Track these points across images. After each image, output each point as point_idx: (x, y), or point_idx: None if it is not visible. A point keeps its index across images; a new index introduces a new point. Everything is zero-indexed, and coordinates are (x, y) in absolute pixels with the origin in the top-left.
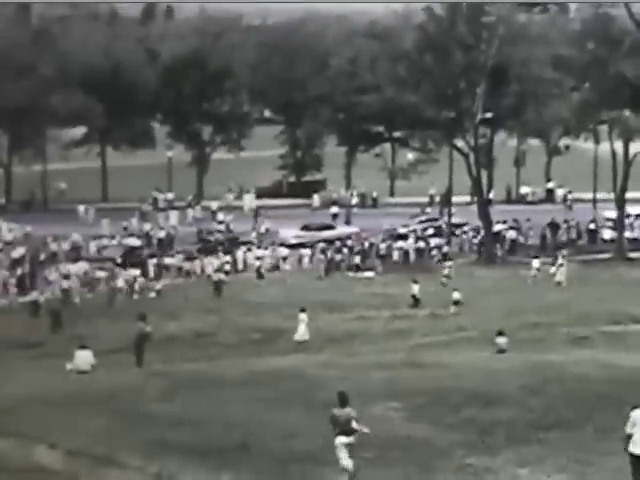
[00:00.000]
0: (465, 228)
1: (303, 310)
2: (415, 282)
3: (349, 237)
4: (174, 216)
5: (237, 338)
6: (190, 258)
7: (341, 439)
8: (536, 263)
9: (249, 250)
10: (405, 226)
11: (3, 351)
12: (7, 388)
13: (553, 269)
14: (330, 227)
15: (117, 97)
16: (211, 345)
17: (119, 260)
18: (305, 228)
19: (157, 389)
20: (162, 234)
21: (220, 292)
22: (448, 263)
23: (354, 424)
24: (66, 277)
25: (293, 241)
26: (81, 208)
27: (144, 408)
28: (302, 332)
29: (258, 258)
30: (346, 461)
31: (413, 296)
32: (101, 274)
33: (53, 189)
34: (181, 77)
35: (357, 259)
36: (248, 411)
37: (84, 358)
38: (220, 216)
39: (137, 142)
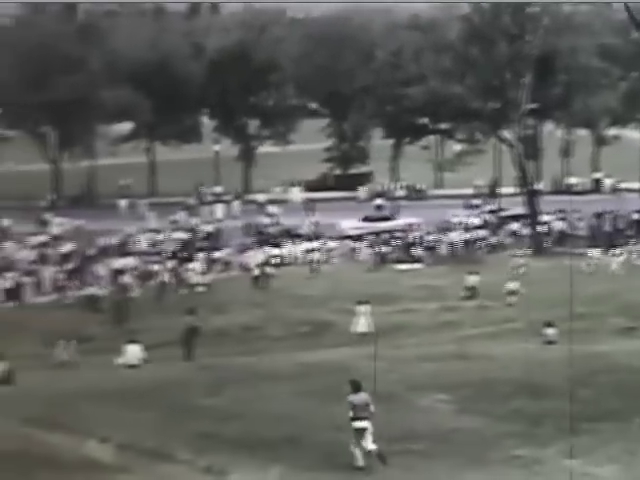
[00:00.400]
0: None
1: (364, 302)
2: (472, 273)
3: (409, 228)
4: (220, 210)
5: (285, 331)
6: (244, 250)
7: (357, 424)
8: (594, 252)
9: (299, 243)
10: (469, 216)
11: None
12: (60, 383)
13: (609, 258)
14: (389, 218)
15: (164, 92)
16: (259, 339)
17: (173, 254)
18: (365, 219)
19: (206, 383)
20: (210, 228)
21: (268, 285)
22: (519, 255)
23: (372, 408)
24: (123, 272)
25: (352, 232)
26: (122, 203)
27: (193, 402)
28: (362, 324)
29: (312, 251)
30: (363, 445)
31: (469, 287)
32: (156, 268)
33: (118, 184)
34: (227, 71)
35: (405, 251)
36: (296, 404)
37: (133, 352)
38: (272, 209)
39: (184, 137)
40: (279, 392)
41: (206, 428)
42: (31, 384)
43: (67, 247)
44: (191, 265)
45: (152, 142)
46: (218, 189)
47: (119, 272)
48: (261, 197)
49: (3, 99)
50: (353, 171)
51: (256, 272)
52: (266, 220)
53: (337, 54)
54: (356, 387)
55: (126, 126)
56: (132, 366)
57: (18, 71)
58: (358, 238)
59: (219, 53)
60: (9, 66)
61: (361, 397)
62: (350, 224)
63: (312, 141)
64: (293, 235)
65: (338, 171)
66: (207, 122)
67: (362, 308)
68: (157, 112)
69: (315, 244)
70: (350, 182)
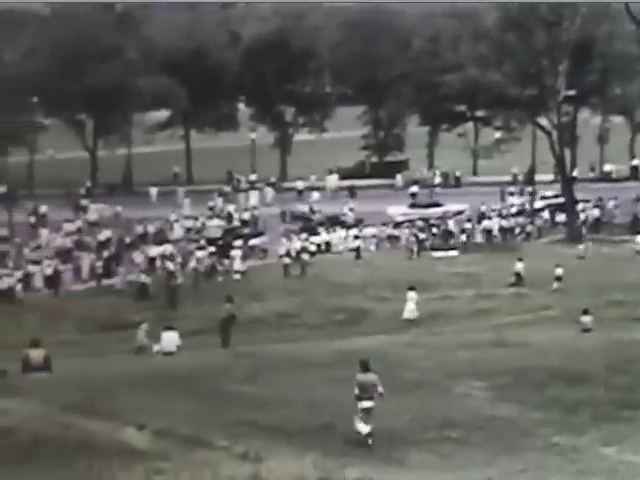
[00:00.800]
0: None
1: (412, 288)
2: (520, 260)
3: (459, 213)
4: (254, 197)
5: (321, 319)
6: (281, 238)
7: (363, 404)
8: (637, 239)
9: (334, 231)
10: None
11: (92, 333)
12: (97, 369)
13: None
14: (437, 205)
15: (200, 80)
16: (295, 326)
17: (211, 241)
18: (413, 205)
19: (242, 370)
20: (246, 215)
21: (305, 273)
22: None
23: (379, 388)
24: (165, 258)
25: (400, 219)
26: (153, 191)
27: (230, 389)
28: (410, 310)
29: (351, 238)
30: (363, 425)
31: (516, 274)
32: (194, 255)
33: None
34: (263, 59)
35: (442, 238)
36: (333, 391)
37: (170, 339)
38: (314, 195)
39: (221, 124)
40: (315, 379)
41: (242, 415)
42: (68, 371)
43: (105, 234)
44: (232, 252)
45: (188, 130)
46: (252, 176)
47: (163, 258)
48: (300, 184)
49: (41, 88)
50: (389, 159)
51: (287, 260)
52: (303, 207)
53: (374, 41)
54: (365, 367)
55: (162, 114)
56: (169, 353)
57: (56, 60)
58: (396, 226)
59: (256, 41)
60: (47, 55)
61: (369, 377)
62: (398, 210)
63: (348, 129)
64: (331, 222)
65: (374, 159)
66: (243, 110)
67: (411, 294)
68: (193, 100)
69: (354, 231)
70: (386, 170)
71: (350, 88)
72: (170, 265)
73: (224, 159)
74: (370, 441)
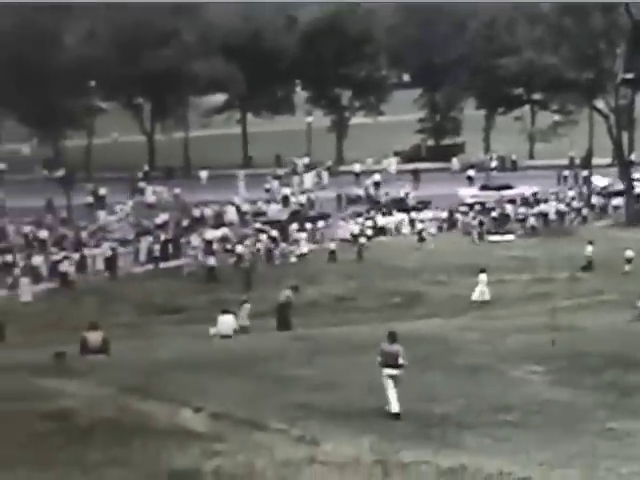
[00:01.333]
0: None
1: (483, 271)
2: (590, 243)
3: (528, 196)
4: (308, 180)
5: (377, 302)
6: (339, 221)
7: (387, 370)
8: None
9: (389, 214)
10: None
11: (150, 316)
12: (154, 352)
13: None
14: (508, 187)
15: (257, 63)
16: (352, 309)
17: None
18: (484, 188)
19: (299, 353)
20: (303, 198)
21: (361, 256)
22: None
23: (400, 360)
24: (240, 242)
25: (470, 200)
26: (203, 174)
27: (286, 372)
28: (480, 292)
29: (421, 221)
30: (391, 391)
31: (587, 257)
32: (263, 238)
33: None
34: (320, 42)
35: (498, 222)
36: None
37: (227, 323)
38: (376, 177)
39: (277, 108)
40: (371, 362)
41: (299, 398)
42: (126, 353)
43: (162, 217)
44: (297, 235)
45: (245, 114)
46: (306, 160)
47: (222, 241)
48: (357, 167)
49: (99, 72)
50: (446, 142)
51: (332, 246)
52: (359, 191)
53: (430, 25)
54: (392, 338)
55: (219, 98)
56: (225, 336)
57: (114, 44)
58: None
59: (312, 24)
60: (105, 39)
61: (393, 348)
62: (469, 192)
63: (405, 112)
64: (397, 205)
65: (430, 142)
66: (300, 93)
67: (482, 276)
68: (250, 83)
69: (414, 215)
70: (442, 153)
71: (406, 71)
72: (239, 248)
73: (280, 143)
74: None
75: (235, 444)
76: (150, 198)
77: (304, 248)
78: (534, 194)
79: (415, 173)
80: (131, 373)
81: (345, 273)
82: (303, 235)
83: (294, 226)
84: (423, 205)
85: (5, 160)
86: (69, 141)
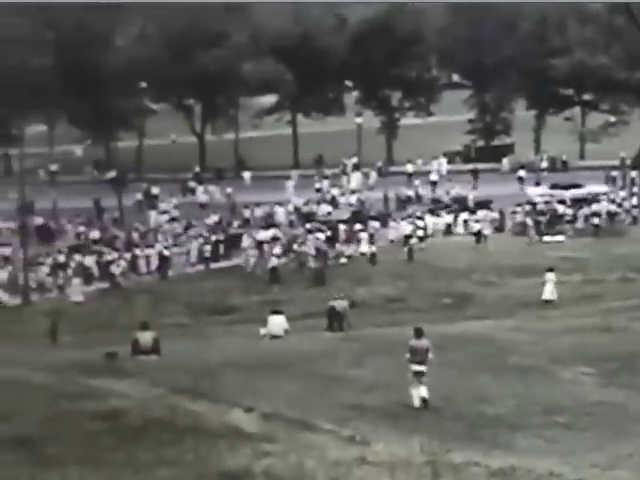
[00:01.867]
0: None
1: (550, 270)
2: None
3: (604, 195)
4: (355, 180)
5: (427, 303)
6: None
7: (415, 367)
8: None
9: (438, 215)
10: None
11: (201, 317)
12: (205, 352)
13: None
14: (578, 186)
15: (307, 64)
16: (401, 310)
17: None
18: (554, 187)
19: (349, 353)
20: (353, 199)
21: (411, 257)
22: None
23: (430, 355)
24: (302, 243)
25: (539, 199)
26: (247, 175)
27: (337, 372)
28: (550, 291)
29: (476, 221)
30: (416, 388)
31: None
32: (320, 236)
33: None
34: (370, 43)
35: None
36: (439, 375)
37: (277, 323)
38: (434, 176)
39: (327, 109)
40: None
41: (349, 398)
42: (177, 353)
43: (213, 218)
44: (360, 235)
45: (295, 114)
46: (354, 160)
47: (302, 244)
48: (410, 167)
49: (150, 73)
50: (496, 142)
51: (373, 249)
52: (410, 192)
53: (480, 25)
54: (419, 333)
55: (269, 99)
56: (276, 337)
57: (165, 45)
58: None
59: (362, 25)
60: (156, 41)
61: (422, 343)
62: (538, 191)
63: (454, 113)
64: (460, 205)
65: (480, 142)
66: (350, 94)
67: (550, 275)
68: (300, 84)
69: (467, 215)
70: (492, 154)
71: (457, 72)
72: (304, 248)
73: (330, 144)
74: (426, 406)
75: (285, 444)
76: (202, 197)
77: (364, 248)
78: (600, 194)
79: (474, 173)
80: (182, 373)
81: (395, 274)
82: (364, 235)
83: (357, 226)
84: (484, 205)
85: (58, 161)
86: (121, 142)
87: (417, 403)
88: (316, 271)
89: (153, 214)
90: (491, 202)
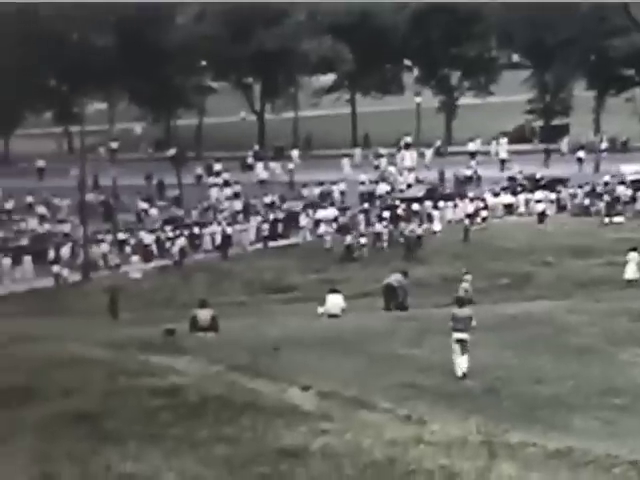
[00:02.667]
0: None
1: (634, 249)
2: None
3: None
4: (409, 159)
5: (485, 283)
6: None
7: (457, 335)
8: None
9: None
10: None
11: (259, 295)
12: (262, 330)
13: None
14: None
15: (366, 43)
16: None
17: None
18: None
19: (407, 333)
20: (411, 178)
21: (467, 237)
22: None
23: (473, 322)
24: (382, 219)
25: (634, 177)
26: (294, 153)
27: (394, 351)
28: (632, 271)
29: (538, 201)
30: (460, 356)
31: None
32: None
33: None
34: (430, 22)
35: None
36: (496, 356)
37: (335, 302)
38: (503, 154)
39: (386, 88)
40: (479, 343)
41: (406, 378)
42: (235, 331)
43: (271, 197)
44: (434, 213)
45: (354, 93)
46: (408, 139)
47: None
48: (472, 146)
49: (210, 51)
50: (553, 123)
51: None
52: (466, 171)
53: (540, 4)
54: (461, 302)
55: (329, 77)
56: (333, 315)
57: (225, 23)
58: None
59: (422, 3)
60: (216, 20)
61: (464, 312)
62: (633, 168)
63: (512, 93)
64: (532, 184)
65: (539, 123)
66: (409, 73)
67: (633, 255)
68: (359, 63)
69: (545, 194)
70: (546, 134)
71: (516, 52)
72: (378, 227)
73: (389, 123)
74: (465, 375)
75: (342, 423)
76: (262, 175)
77: (437, 226)
78: None
79: (547, 152)
80: (240, 351)
81: (453, 253)
82: (436, 213)
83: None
84: (561, 183)
85: (118, 139)
86: (180, 120)
87: (460, 372)
88: (407, 245)
89: (214, 191)
90: (567, 180)
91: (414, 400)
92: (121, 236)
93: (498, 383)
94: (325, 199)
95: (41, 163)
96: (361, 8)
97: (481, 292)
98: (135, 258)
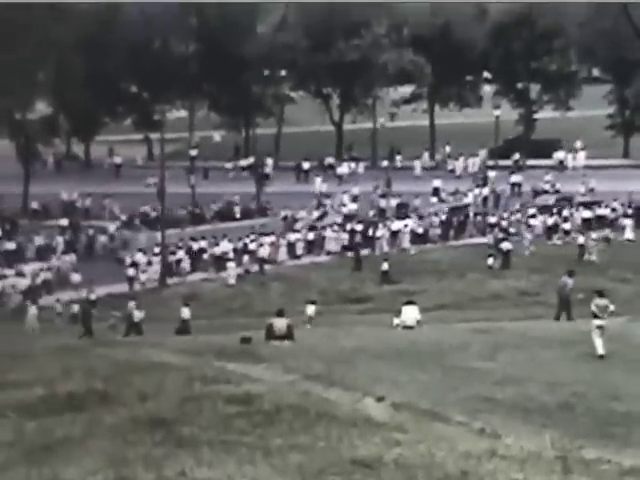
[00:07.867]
0: None
1: None
2: None
3: None
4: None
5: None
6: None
7: (596, 321)
8: None
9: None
10: None
11: (335, 304)
12: (337, 340)
13: None
14: None
15: (445, 55)
16: (535, 304)
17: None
18: None
19: (481, 346)
20: (485, 190)
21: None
22: None
23: (611, 307)
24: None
25: None
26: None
27: (468, 364)
28: None
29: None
30: (598, 339)
31: None
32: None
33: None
34: (510, 35)
35: None
36: (573, 371)
37: (410, 313)
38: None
39: (465, 100)
40: (555, 358)
41: (481, 391)
42: (310, 340)
43: (349, 208)
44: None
45: (432, 105)
46: (483, 152)
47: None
48: (561, 154)
49: (289, 61)
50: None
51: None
52: (546, 185)
53: (621, 19)
54: (601, 294)
55: (407, 89)
56: (408, 327)
57: (305, 34)
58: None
59: (503, 16)
60: (296, 30)
61: (603, 301)
62: None
63: (593, 107)
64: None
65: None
66: (487, 86)
67: None
68: (438, 75)
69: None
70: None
71: (597, 66)
72: (580, 239)
73: (466, 135)
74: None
75: (416, 434)
76: (343, 169)
77: (632, 234)
78: None
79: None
80: (315, 360)
81: (529, 267)
82: (629, 221)
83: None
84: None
85: (197, 147)
86: (259, 129)
87: (601, 351)
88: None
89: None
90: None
91: (488, 414)
92: (200, 244)
93: (574, 399)
94: (402, 210)
95: (118, 160)
96: (442, 20)
97: (557, 306)
98: (231, 264)
